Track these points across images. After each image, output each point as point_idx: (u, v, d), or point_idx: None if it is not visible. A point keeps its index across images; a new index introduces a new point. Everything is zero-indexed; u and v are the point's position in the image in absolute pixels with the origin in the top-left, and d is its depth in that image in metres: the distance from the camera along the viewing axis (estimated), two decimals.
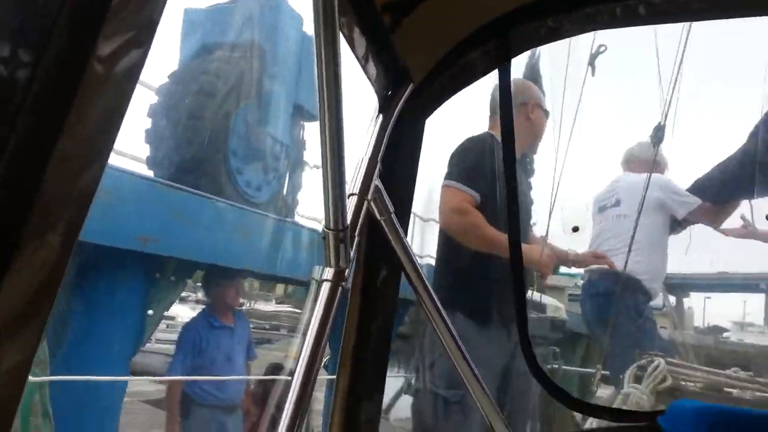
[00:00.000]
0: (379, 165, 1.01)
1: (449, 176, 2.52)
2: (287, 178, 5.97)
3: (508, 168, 1.37)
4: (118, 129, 0.52)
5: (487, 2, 1.11)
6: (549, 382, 1.45)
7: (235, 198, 4.91)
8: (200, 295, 7.28)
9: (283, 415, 0.77)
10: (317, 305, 0.86)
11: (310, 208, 6.00)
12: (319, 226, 5.34)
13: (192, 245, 4.02)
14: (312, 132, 6.24)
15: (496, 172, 2.38)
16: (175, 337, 6.95)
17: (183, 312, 7.19)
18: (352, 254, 0.89)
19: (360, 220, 0.96)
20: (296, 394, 0.79)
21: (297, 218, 5.97)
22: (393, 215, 1.03)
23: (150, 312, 4.06)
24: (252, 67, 5.18)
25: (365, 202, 0.97)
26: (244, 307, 7.66)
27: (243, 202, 4.94)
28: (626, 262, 3.05)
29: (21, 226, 0.43)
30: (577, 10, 1.12)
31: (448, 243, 2.54)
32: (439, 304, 1.11)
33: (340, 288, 0.87)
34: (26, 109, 0.43)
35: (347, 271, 0.88)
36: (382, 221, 1.03)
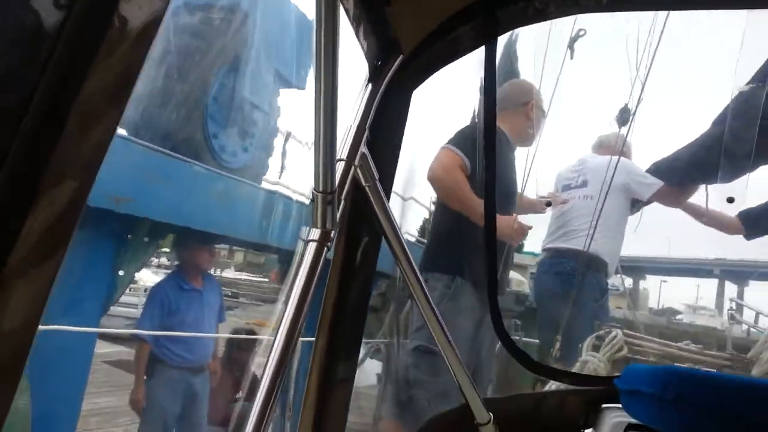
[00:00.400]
0: (366, 132, 1.04)
1: (449, 141, 2.67)
2: (265, 146, 5.88)
3: (488, 141, 1.40)
4: (135, 79, 0.54)
5: None
6: (513, 347, 1.52)
7: (210, 162, 4.86)
8: (163, 259, 7.19)
9: (264, 374, 0.78)
10: (302, 264, 0.87)
11: (288, 177, 5.93)
12: (296, 196, 5.34)
13: (165, 207, 3.99)
14: (291, 100, 6.14)
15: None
16: (137, 300, 6.87)
17: (146, 276, 7.07)
18: (338, 217, 0.92)
19: (346, 185, 1.00)
20: (278, 353, 0.79)
21: (273, 186, 5.90)
22: (377, 182, 1.06)
23: (121, 273, 4.03)
24: (235, 30, 5.06)
25: (352, 168, 1.00)
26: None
27: (218, 167, 4.89)
28: (590, 242, 3.16)
29: (41, 174, 0.45)
30: None
31: (443, 211, 2.69)
32: (416, 269, 1.16)
33: (325, 248, 0.90)
34: (54, 59, 0.44)
35: (332, 233, 0.92)
36: (366, 187, 1.05)
